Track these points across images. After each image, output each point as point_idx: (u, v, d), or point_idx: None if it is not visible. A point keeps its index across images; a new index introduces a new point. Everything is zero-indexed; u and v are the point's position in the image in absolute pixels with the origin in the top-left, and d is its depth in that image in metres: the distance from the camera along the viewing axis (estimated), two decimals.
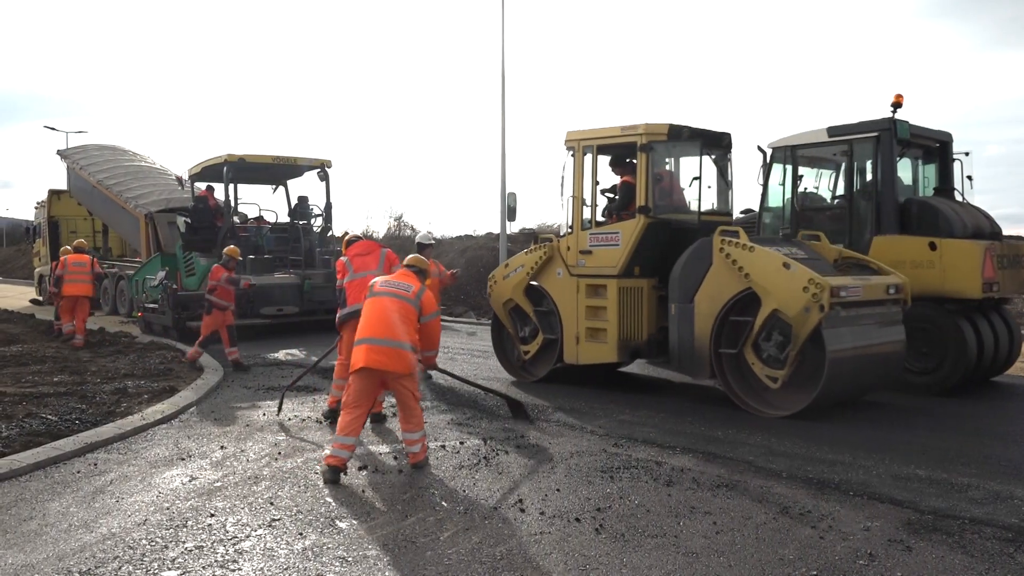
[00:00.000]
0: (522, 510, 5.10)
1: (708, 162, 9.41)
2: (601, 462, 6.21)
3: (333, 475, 5.71)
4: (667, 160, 9.61)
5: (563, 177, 9.48)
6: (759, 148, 10.34)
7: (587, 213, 9.39)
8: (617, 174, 9.56)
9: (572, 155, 9.43)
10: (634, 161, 9.26)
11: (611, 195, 9.67)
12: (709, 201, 9.53)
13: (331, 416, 7.57)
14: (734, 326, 8.06)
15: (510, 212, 10.57)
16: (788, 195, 10.08)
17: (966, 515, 4.95)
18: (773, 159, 10.19)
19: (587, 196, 9.38)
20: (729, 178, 9.68)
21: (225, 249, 11.50)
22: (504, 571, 4.18)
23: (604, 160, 9.61)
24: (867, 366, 7.92)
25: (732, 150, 9.68)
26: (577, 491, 5.49)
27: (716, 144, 9.47)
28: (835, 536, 4.62)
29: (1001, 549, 4.42)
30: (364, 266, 7.71)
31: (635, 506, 5.17)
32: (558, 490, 5.51)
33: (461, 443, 6.83)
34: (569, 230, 9.44)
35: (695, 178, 9.22)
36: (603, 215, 9.52)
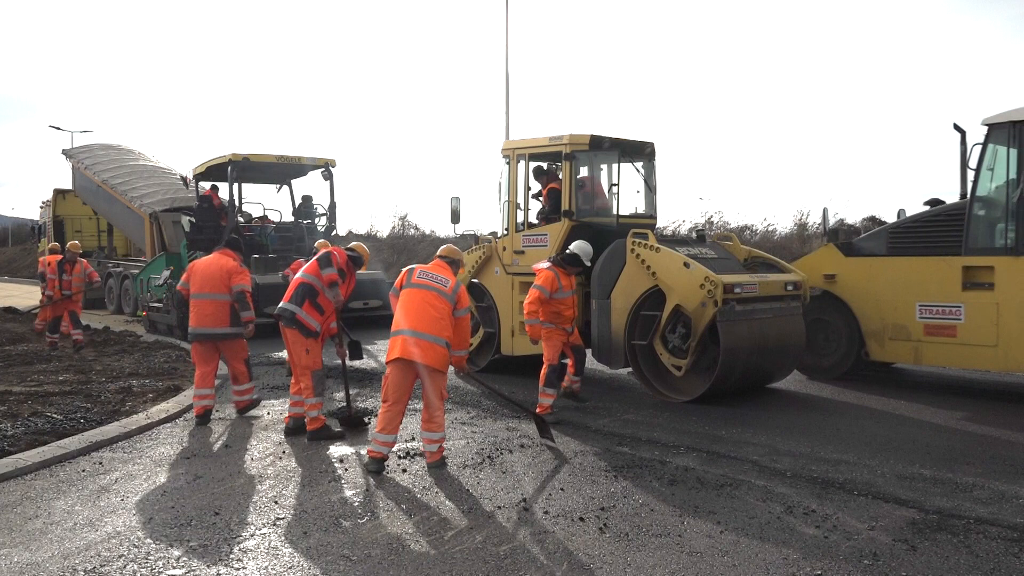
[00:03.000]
0: (526, 509, 5.10)
1: (631, 169, 10.00)
2: (605, 461, 6.21)
3: (377, 466, 5.97)
4: (602, 167, 10.25)
5: (500, 183, 10.24)
6: (956, 127, 9.27)
7: (521, 216, 10.01)
8: (540, 183, 10.09)
9: (507, 163, 10.07)
10: (555, 171, 9.99)
11: (540, 199, 10.20)
12: (633, 205, 10.10)
13: (292, 432, 7.13)
14: (645, 320, 8.67)
15: (454, 215, 10.78)
16: (1011, 180, 8.37)
17: (971, 515, 4.93)
18: (989, 139, 8.59)
19: (520, 200, 10.02)
20: (652, 184, 10.13)
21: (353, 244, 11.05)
22: (508, 570, 4.18)
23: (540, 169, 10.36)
24: (764, 356, 8.40)
25: (655, 158, 10.10)
26: (581, 490, 5.49)
27: (638, 153, 9.95)
28: (839, 536, 4.62)
29: (1006, 549, 4.41)
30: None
31: (639, 505, 5.17)
32: (562, 489, 5.52)
33: (465, 442, 6.84)
34: (505, 232, 10.17)
35: (613, 184, 9.96)
36: (537, 218, 10.06)
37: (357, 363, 9.19)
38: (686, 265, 8.14)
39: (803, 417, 7.72)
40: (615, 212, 9.84)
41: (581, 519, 4.91)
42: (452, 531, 4.75)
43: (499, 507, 5.15)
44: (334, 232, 17.17)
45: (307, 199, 17.51)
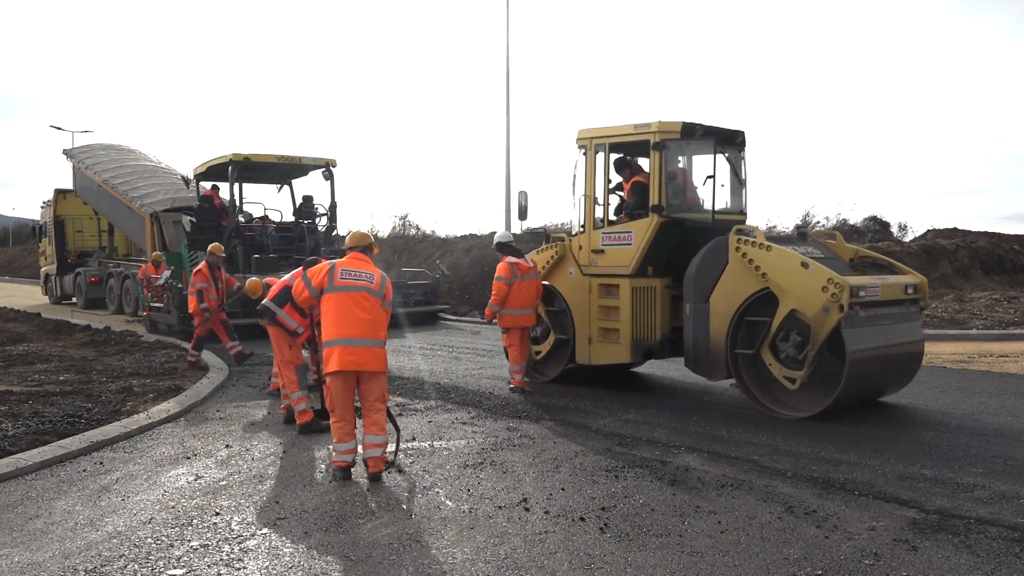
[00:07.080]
0: (527, 509, 5.10)
1: (722, 161, 9.09)
2: (606, 461, 6.20)
3: (344, 474, 5.86)
4: (679, 158, 9.34)
5: (575, 176, 9.33)
6: None
7: (599, 212, 9.23)
8: (623, 176, 9.42)
9: (584, 153, 9.26)
10: (637, 162, 9.29)
11: (619, 193, 9.49)
12: (723, 200, 9.22)
13: (290, 420, 7.58)
14: (750, 326, 7.92)
15: (521, 211, 9.92)
16: None
17: (972, 515, 4.93)
18: None
19: (599, 195, 9.22)
20: (743, 177, 9.34)
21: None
22: (508, 570, 4.18)
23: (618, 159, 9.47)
24: (886, 366, 7.83)
25: (746, 148, 9.36)
26: (582, 490, 5.49)
27: (730, 142, 9.18)
28: (840, 536, 4.61)
29: (1007, 549, 4.41)
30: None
31: (640, 505, 5.17)
32: (563, 489, 5.51)
33: (465, 442, 6.84)
34: (581, 229, 9.31)
35: (709, 177, 8.96)
36: (615, 214, 9.34)
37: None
38: (804, 265, 7.38)
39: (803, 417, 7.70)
40: (710, 207, 8.93)
41: (582, 519, 4.91)
42: (452, 531, 4.75)
43: (499, 507, 5.15)
44: (335, 232, 17.18)
45: (308, 199, 17.54)
